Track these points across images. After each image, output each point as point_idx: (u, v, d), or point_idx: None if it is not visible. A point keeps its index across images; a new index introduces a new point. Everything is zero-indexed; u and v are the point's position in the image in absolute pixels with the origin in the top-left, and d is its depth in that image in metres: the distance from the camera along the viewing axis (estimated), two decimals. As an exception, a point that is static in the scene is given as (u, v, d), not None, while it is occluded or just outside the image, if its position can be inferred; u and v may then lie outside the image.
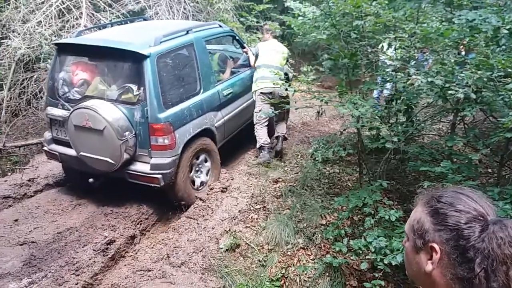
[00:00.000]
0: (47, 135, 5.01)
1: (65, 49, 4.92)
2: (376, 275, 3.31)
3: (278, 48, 5.67)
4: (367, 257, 3.52)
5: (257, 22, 9.77)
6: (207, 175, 5.14)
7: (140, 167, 4.47)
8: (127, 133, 4.29)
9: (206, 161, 5.11)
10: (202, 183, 5.06)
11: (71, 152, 4.64)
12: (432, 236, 1.03)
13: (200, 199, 4.76)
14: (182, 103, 4.63)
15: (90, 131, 4.32)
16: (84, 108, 4.31)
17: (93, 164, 4.52)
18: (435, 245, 1.01)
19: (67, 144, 4.72)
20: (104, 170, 4.54)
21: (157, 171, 4.40)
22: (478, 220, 0.99)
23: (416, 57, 4.68)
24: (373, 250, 3.39)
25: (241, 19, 9.80)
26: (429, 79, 3.46)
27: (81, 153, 4.51)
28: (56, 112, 4.73)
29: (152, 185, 4.47)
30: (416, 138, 4.78)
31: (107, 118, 4.21)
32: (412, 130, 4.29)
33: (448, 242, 1.00)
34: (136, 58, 4.31)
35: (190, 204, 4.76)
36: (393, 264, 3.22)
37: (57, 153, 4.86)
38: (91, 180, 4.80)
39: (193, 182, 4.93)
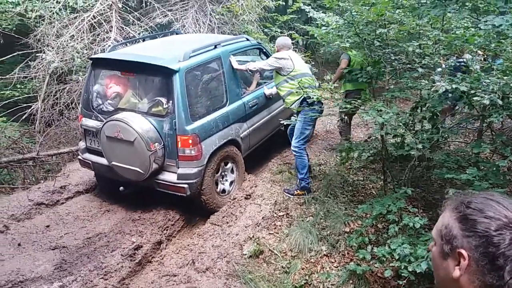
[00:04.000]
0: (81, 144, 5.24)
1: (99, 64, 5.13)
2: (401, 283, 3.28)
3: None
4: (391, 264, 3.49)
5: (281, 33, 9.86)
6: (231, 183, 5.23)
7: (168, 177, 4.62)
8: (156, 144, 4.45)
9: (231, 170, 5.21)
10: (227, 191, 5.15)
11: (103, 161, 4.84)
12: (461, 242, 1.01)
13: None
14: (208, 115, 4.76)
15: (121, 142, 4.50)
16: (116, 120, 4.50)
17: (124, 173, 4.70)
18: (463, 251, 0.99)
19: (99, 154, 4.91)
20: (134, 179, 4.70)
21: (184, 181, 4.53)
22: (509, 227, 0.96)
23: (447, 65, 4.64)
24: (397, 257, 3.36)
25: (265, 30, 9.92)
26: (454, 86, 3.43)
27: (113, 163, 4.69)
28: (90, 123, 4.94)
29: (179, 194, 4.60)
30: (441, 145, 4.71)
31: (138, 130, 4.38)
32: (437, 137, 4.24)
33: (476, 249, 0.98)
34: (166, 73, 4.47)
35: (215, 211, 4.85)
36: (418, 271, 3.18)
37: (90, 162, 5.06)
38: (121, 188, 4.98)
39: (218, 190, 5.03)
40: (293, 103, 5.11)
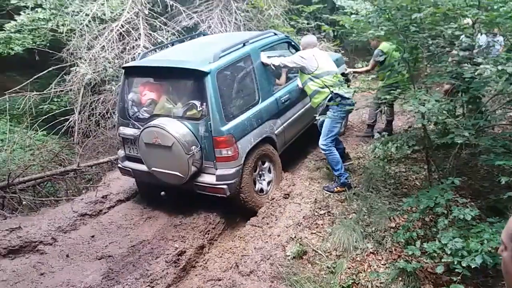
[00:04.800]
0: (121, 153, 5.34)
1: (132, 72, 5.22)
2: (454, 279, 3.12)
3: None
4: (442, 259, 3.32)
5: (307, 24, 9.70)
6: (270, 181, 5.20)
7: (207, 179, 4.65)
8: (193, 147, 4.48)
9: (268, 167, 5.18)
10: (265, 189, 5.13)
11: (143, 167, 4.92)
12: None
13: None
14: (242, 115, 4.76)
15: (159, 147, 4.56)
16: (153, 126, 4.57)
17: (164, 178, 4.76)
18: None
19: (139, 161, 5.00)
20: (174, 183, 4.75)
21: (223, 182, 4.55)
22: None
23: (483, 43, 4.40)
24: (449, 252, 3.20)
25: (292, 23, 9.78)
26: (500, 67, 3.23)
27: (153, 168, 4.77)
28: (128, 131, 5.03)
29: (219, 195, 4.62)
30: (486, 129, 4.47)
31: (175, 134, 4.43)
32: (482, 122, 4.02)
33: None
34: (197, 75, 4.50)
35: (256, 210, 4.83)
36: (473, 266, 3.01)
37: (130, 169, 5.17)
38: (162, 193, 5.04)
39: (256, 189, 5.00)
40: (320, 103, 5.04)
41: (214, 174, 4.60)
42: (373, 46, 6.10)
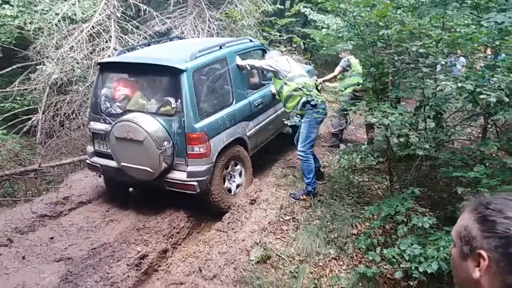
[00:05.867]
0: (89, 149, 5.28)
1: (107, 68, 5.24)
2: (411, 284, 3.24)
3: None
4: (401, 265, 3.44)
5: (279, 36, 9.87)
6: (240, 183, 5.28)
7: (178, 175, 4.65)
8: (165, 143, 4.50)
9: (239, 169, 5.26)
10: (235, 189, 5.20)
11: (112, 163, 4.89)
12: (480, 243, 1.01)
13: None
14: (216, 114, 4.84)
15: (131, 142, 4.54)
16: (125, 120, 4.56)
17: (134, 174, 4.72)
18: (483, 252, 0.99)
19: (108, 156, 4.96)
20: (144, 179, 4.72)
21: (193, 179, 4.56)
22: None
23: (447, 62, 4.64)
24: (407, 258, 3.32)
25: (264, 34, 9.93)
26: (459, 84, 3.41)
27: (122, 164, 4.72)
28: (99, 126, 5.01)
29: (189, 192, 4.63)
30: (446, 143, 4.68)
31: (147, 129, 4.43)
32: (442, 136, 4.21)
33: (496, 250, 0.97)
34: (174, 73, 4.56)
35: (223, 210, 4.87)
36: (429, 272, 3.14)
37: (98, 165, 5.10)
38: (131, 189, 5.02)
39: (226, 188, 5.07)
40: (294, 107, 5.12)
41: (185, 171, 4.61)
42: (343, 57, 6.31)
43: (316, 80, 6.23)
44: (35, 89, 7.86)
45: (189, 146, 4.54)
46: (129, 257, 4.17)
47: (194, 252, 4.36)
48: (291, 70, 5.08)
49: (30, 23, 7.81)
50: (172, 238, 4.62)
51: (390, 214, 3.69)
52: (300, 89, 4.82)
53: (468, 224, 1.05)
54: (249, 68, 5.31)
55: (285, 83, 5.07)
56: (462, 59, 5.59)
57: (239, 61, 5.29)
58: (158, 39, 6.70)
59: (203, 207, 4.92)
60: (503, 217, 0.99)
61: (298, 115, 5.02)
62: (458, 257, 1.08)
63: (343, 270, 3.92)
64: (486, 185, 3.24)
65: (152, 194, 5.15)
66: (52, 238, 4.76)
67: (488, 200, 1.05)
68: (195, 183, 4.55)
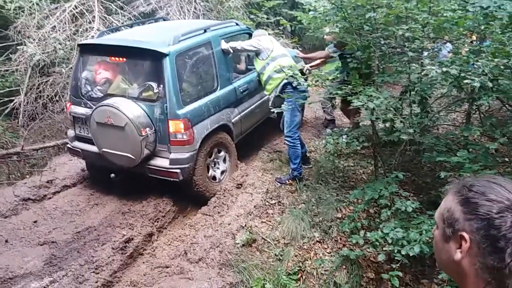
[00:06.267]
0: (70, 133, 5.17)
1: (88, 50, 5.10)
2: (394, 266, 3.29)
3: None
4: (384, 249, 3.50)
5: (267, 19, 9.76)
6: (223, 170, 5.22)
7: (160, 162, 4.58)
8: (147, 129, 4.41)
9: (223, 156, 5.20)
10: (218, 177, 5.13)
11: (93, 148, 4.78)
12: (462, 225, 1.01)
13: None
14: (200, 100, 4.73)
15: (112, 127, 4.44)
16: (106, 105, 4.45)
17: (115, 160, 4.64)
18: (465, 234, 1.00)
19: (89, 141, 4.85)
20: (125, 165, 4.66)
21: (176, 166, 4.50)
22: (511, 210, 0.97)
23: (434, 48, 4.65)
24: (390, 241, 3.37)
25: (251, 16, 9.80)
26: (444, 69, 3.42)
27: (103, 149, 4.63)
28: (79, 110, 4.89)
29: (172, 179, 4.57)
30: (431, 129, 4.73)
31: (128, 115, 4.33)
32: (427, 121, 4.24)
33: (478, 232, 0.98)
34: (156, 57, 4.43)
35: (207, 197, 4.83)
36: (411, 255, 3.19)
37: (79, 150, 5.00)
38: (112, 175, 4.95)
39: (211, 176, 5.02)
40: (273, 89, 5.05)
41: (168, 158, 4.54)
42: (329, 40, 6.23)
43: (303, 66, 6.19)
44: (17, 70, 7.64)
45: (172, 132, 4.45)
46: (114, 241, 4.16)
47: (180, 236, 4.36)
48: (274, 50, 5.00)
49: (10, 2, 7.54)
50: (157, 222, 4.61)
51: (374, 198, 3.74)
52: (282, 70, 4.76)
53: (451, 206, 1.05)
54: (232, 51, 5.18)
55: (268, 64, 5.00)
56: (448, 45, 5.61)
57: (223, 45, 5.16)
58: (142, 20, 6.54)
59: (188, 194, 4.88)
60: (485, 199, 0.99)
61: (285, 102, 4.96)
62: (440, 239, 1.09)
63: (327, 253, 3.97)
64: (469, 170, 3.28)
65: (137, 179, 5.12)
66: (35, 221, 4.71)
67: (471, 183, 1.05)
68: (178, 170, 4.47)
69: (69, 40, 7.47)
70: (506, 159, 4.68)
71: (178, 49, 4.51)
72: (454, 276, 1.09)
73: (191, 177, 4.67)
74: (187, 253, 3.96)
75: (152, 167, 4.59)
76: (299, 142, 5.06)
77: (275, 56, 4.98)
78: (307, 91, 5.02)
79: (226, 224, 4.27)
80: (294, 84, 4.73)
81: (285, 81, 4.84)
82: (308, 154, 5.59)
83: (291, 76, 4.59)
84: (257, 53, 5.09)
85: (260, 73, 5.15)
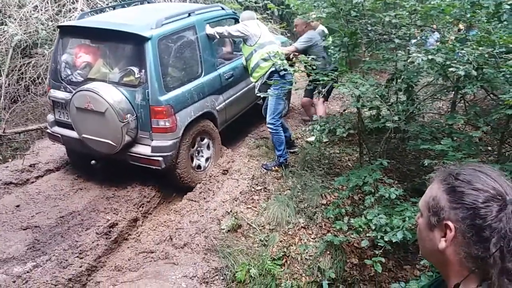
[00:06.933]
0: (50, 117, 5.04)
1: (68, 32, 4.93)
2: (377, 252, 3.35)
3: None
4: (367, 235, 3.55)
5: (255, 3, 9.64)
6: (208, 157, 5.15)
7: (142, 150, 4.50)
8: (128, 115, 4.31)
9: (207, 144, 5.12)
10: (203, 165, 5.07)
11: (74, 134, 4.68)
12: (448, 214, 1.01)
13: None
14: (183, 86, 4.63)
15: (92, 113, 4.34)
16: (86, 90, 4.34)
17: (95, 146, 4.55)
18: (450, 223, 1.00)
19: (69, 127, 4.74)
20: (105, 152, 4.57)
21: (158, 154, 4.42)
22: (497, 200, 0.97)
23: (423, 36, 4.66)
24: (373, 228, 3.42)
25: (239, 0, 9.67)
26: (430, 57, 3.43)
27: (83, 135, 4.54)
28: (59, 94, 4.75)
29: (153, 167, 4.49)
30: (416, 117, 4.77)
31: (109, 100, 4.23)
32: (412, 109, 4.27)
33: (463, 221, 0.98)
34: (138, 41, 4.31)
35: (191, 186, 4.78)
36: (394, 241, 3.24)
37: (59, 136, 4.90)
38: (93, 162, 4.86)
39: (194, 165, 4.94)
40: (260, 77, 5.00)
41: (150, 145, 4.46)
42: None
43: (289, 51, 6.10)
44: (-3, 51, 7.46)
45: (154, 119, 4.35)
46: (98, 226, 4.13)
47: (165, 221, 4.35)
48: (261, 36, 4.92)
49: (-9, -21, 7.33)
50: (142, 207, 4.59)
51: (358, 185, 3.77)
52: (270, 58, 4.71)
53: (437, 195, 1.05)
54: (217, 37, 5.08)
55: (255, 50, 4.92)
56: (436, 34, 5.62)
57: (208, 29, 5.05)
58: (127, 2, 6.40)
59: (171, 183, 4.84)
60: (471, 188, 0.99)
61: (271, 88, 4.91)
62: (425, 227, 1.09)
63: (312, 238, 4.01)
64: (452, 158, 3.33)
65: (121, 166, 5.07)
66: (18, 206, 4.64)
67: (457, 171, 1.05)
68: (160, 158, 4.40)
69: (51, 21, 7.29)
70: (489, 148, 4.76)
71: (160, 33, 4.39)
72: (437, 264, 1.09)
73: (174, 167, 4.61)
74: (172, 239, 3.96)
75: (134, 154, 4.50)
76: (281, 128, 5.05)
77: (263, 43, 4.90)
78: (292, 77, 4.98)
79: (211, 209, 4.27)
80: (281, 73, 4.70)
81: (272, 68, 4.80)
82: (292, 139, 5.57)
83: (280, 64, 4.54)
84: (244, 39, 5.00)
85: (247, 60, 5.07)
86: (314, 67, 4.32)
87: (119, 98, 4.30)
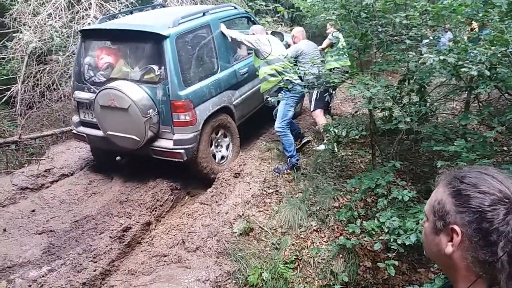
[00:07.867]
0: (75, 118, 5.24)
1: (89, 35, 5.16)
2: (390, 255, 3.31)
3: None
4: (380, 238, 3.51)
5: (266, 6, 9.65)
6: (227, 150, 5.33)
7: (164, 143, 4.67)
8: (150, 110, 4.49)
9: (226, 137, 5.30)
10: (223, 158, 5.25)
11: (98, 132, 4.88)
12: (454, 218, 0.99)
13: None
14: (201, 82, 4.81)
15: (116, 110, 4.53)
16: (109, 88, 4.53)
17: (120, 142, 4.72)
18: (456, 227, 0.97)
19: (94, 126, 4.94)
20: (130, 148, 4.73)
21: (180, 146, 4.59)
22: (503, 203, 0.94)
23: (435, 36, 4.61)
24: (386, 230, 3.39)
25: (250, 4, 9.70)
26: (442, 57, 3.38)
27: (108, 132, 4.71)
28: (83, 95, 4.95)
29: (176, 160, 4.66)
30: (429, 118, 4.71)
31: (132, 96, 4.41)
32: (425, 110, 4.22)
33: (470, 225, 0.96)
34: (156, 39, 4.50)
35: (212, 178, 4.93)
36: (407, 244, 3.20)
37: (85, 135, 5.09)
38: (118, 158, 5.08)
39: (214, 156, 5.12)
40: (267, 91, 5.20)
41: (171, 139, 4.62)
42: (329, 32, 6.18)
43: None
44: (13, 58, 7.59)
45: (175, 114, 4.53)
46: (112, 230, 4.18)
47: (178, 225, 4.37)
48: (271, 53, 5.01)
49: (6, -12, 7.48)
50: (155, 211, 4.63)
51: (370, 187, 3.74)
52: (278, 73, 4.89)
53: (442, 198, 1.03)
54: (229, 40, 5.22)
55: (263, 65, 5.06)
56: (449, 33, 5.55)
57: (223, 28, 5.21)
58: (141, 7, 6.51)
59: (186, 182, 4.91)
60: (477, 192, 0.97)
61: (282, 91, 4.95)
62: (430, 231, 1.06)
63: (324, 242, 3.99)
64: (466, 159, 3.27)
65: (136, 167, 5.13)
66: (33, 210, 4.73)
67: (463, 174, 1.03)
68: (182, 151, 4.57)
69: (65, 28, 7.40)
70: (505, 148, 4.67)
71: (178, 31, 4.57)
72: (444, 268, 1.07)
73: (195, 159, 4.75)
74: (185, 242, 3.98)
75: (156, 148, 4.68)
76: (289, 131, 5.11)
77: (271, 60, 5.01)
78: (303, 88, 4.99)
79: (223, 213, 4.28)
80: (289, 87, 4.80)
81: (281, 83, 4.94)
82: (304, 140, 5.55)
83: (287, 81, 4.72)
84: (255, 51, 5.12)
85: (259, 70, 5.22)
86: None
87: (141, 95, 4.49)
